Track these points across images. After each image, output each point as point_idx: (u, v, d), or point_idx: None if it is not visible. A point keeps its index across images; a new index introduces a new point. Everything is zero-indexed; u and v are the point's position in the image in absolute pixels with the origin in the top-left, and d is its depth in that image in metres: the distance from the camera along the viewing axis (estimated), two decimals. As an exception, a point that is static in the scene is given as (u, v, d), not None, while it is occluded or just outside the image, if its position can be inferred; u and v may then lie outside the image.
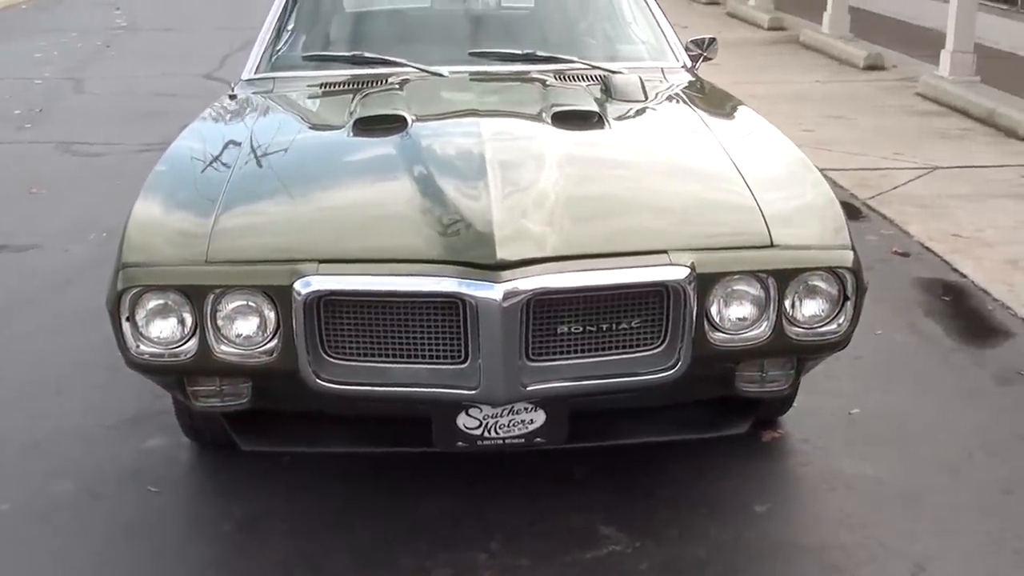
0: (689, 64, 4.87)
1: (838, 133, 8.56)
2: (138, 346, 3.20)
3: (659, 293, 3.11)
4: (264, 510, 3.71)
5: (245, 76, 4.83)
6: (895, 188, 7.08)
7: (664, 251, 3.11)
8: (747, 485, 3.75)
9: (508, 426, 3.26)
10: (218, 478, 3.95)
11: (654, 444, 3.58)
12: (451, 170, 3.42)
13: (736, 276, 3.15)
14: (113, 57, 13.10)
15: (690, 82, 4.65)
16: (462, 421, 3.25)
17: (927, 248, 6.02)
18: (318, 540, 3.54)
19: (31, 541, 3.59)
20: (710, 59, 5.12)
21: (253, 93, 4.60)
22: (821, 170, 7.32)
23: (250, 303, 3.15)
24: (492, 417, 3.24)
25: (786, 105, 9.51)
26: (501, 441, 3.28)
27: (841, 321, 3.24)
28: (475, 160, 3.43)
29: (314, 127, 4.18)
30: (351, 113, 3.97)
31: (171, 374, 3.30)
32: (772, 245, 3.19)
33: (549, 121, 3.81)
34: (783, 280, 3.16)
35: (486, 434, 3.26)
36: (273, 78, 4.75)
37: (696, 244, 3.15)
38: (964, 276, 5.61)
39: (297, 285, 3.05)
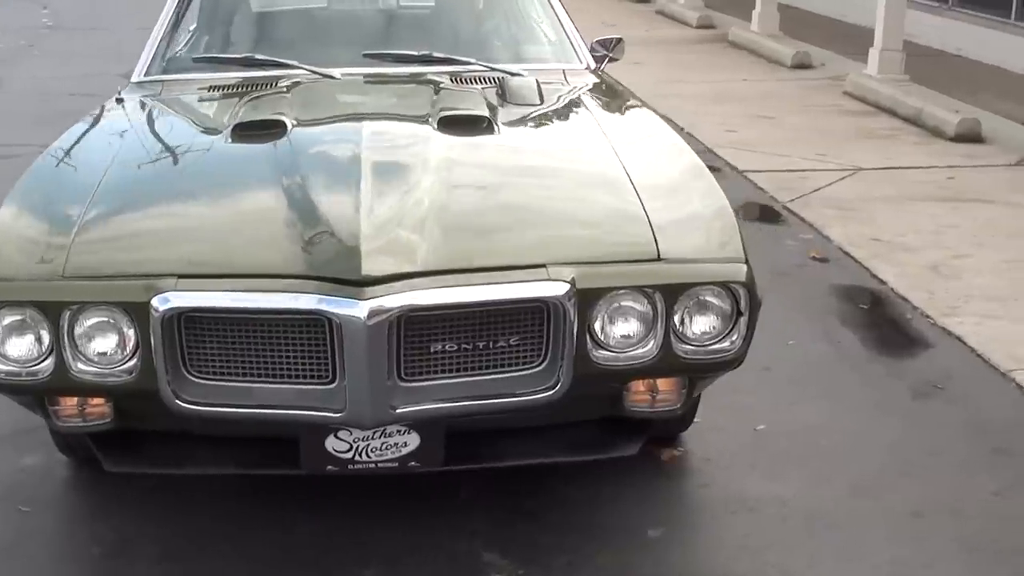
0: (593, 65, 4.69)
1: (762, 133, 8.42)
2: None
3: (538, 309, 2.92)
4: (135, 532, 3.49)
5: (134, 79, 4.61)
6: (816, 190, 6.93)
7: (543, 265, 2.92)
8: (642, 508, 3.56)
9: (380, 449, 3.06)
10: (92, 497, 3.74)
11: (545, 463, 3.39)
12: (323, 179, 3.21)
13: (621, 291, 2.97)
14: (36, 57, 12.75)
15: (592, 84, 4.46)
16: (331, 444, 3.04)
17: (846, 253, 5.86)
18: (187, 565, 3.33)
19: None
20: (616, 59, 4.95)
21: (141, 96, 4.38)
22: (741, 172, 7.38)
23: (109, 320, 2.94)
24: (363, 440, 3.04)
25: (711, 105, 9.38)
26: (373, 465, 3.08)
27: (734, 338, 3.06)
28: (350, 168, 3.23)
29: (192, 133, 3.95)
30: (232, 118, 3.76)
31: (27, 393, 3.09)
32: (659, 258, 3.00)
33: (435, 126, 3.61)
34: (671, 295, 2.97)
35: (357, 457, 3.06)
36: (162, 81, 4.53)
37: (577, 257, 2.96)
38: (884, 282, 5.46)
39: (154, 301, 2.84)
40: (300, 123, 3.68)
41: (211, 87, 4.36)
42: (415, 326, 2.88)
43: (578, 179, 3.47)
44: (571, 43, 4.76)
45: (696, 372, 3.12)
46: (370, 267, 2.81)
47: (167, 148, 3.76)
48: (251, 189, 3.32)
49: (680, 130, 8.46)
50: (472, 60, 4.45)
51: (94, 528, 3.56)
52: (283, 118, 3.68)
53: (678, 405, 3.21)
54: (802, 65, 10.96)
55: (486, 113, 3.75)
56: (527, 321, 2.95)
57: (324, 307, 2.78)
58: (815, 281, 5.50)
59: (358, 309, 2.76)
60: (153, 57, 4.68)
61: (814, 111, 9.18)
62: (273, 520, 3.51)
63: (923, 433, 4.02)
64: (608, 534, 3.44)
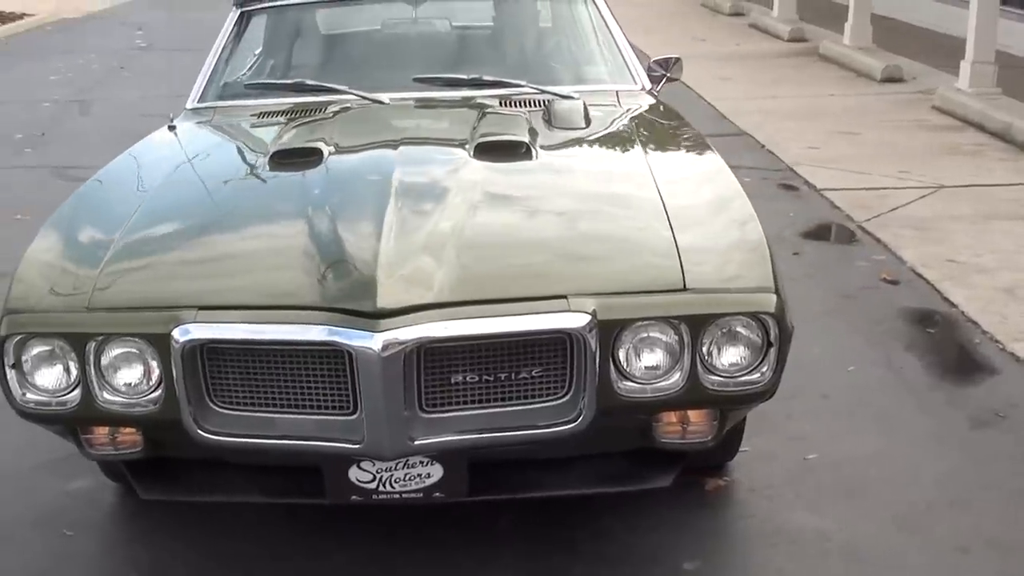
0: (648, 86, 4.64)
1: (844, 150, 8.27)
2: (24, 394, 3.05)
3: (560, 341, 2.88)
4: (171, 557, 3.54)
5: (188, 105, 4.70)
6: (894, 209, 6.78)
7: (563, 296, 2.88)
8: (680, 539, 3.50)
9: (404, 480, 3.05)
10: (135, 522, 3.78)
11: (573, 495, 3.34)
12: (350, 208, 3.22)
13: (646, 322, 2.92)
14: (126, 79, 13.03)
15: (645, 106, 4.41)
16: (354, 475, 3.04)
17: (918, 275, 5.72)
18: (218, 592, 3.36)
19: None
20: (675, 79, 4.90)
21: (194, 123, 4.45)
22: (818, 190, 7.25)
23: (134, 351, 2.97)
24: (386, 471, 3.03)
25: (794, 121, 9.24)
26: (398, 496, 3.07)
27: (764, 370, 2.99)
28: (377, 198, 3.23)
29: (232, 162, 3.99)
30: (272, 146, 3.79)
31: (57, 423, 3.14)
32: (685, 288, 2.94)
33: (471, 152, 3.60)
34: (696, 326, 2.91)
35: (381, 488, 3.05)
36: (214, 107, 4.61)
37: (600, 288, 2.92)
38: (954, 305, 5.32)
39: (175, 333, 2.86)
40: (337, 150, 3.69)
41: (261, 113, 4.41)
42: (435, 357, 2.87)
43: (610, 207, 3.42)
44: (626, 64, 4.72)
45: (725, 404, 3.05)
46: (385, 299, 2.80)
47: (205, 177, 3.79)
48: (279, 219, 3.34)
49: (760, 147, 8.43)
50: (523, 83, 4.44)
51: (133, 552, 3.62)
52: (321, 145, 3.70)
53: (709, 437, 3.15)
54: (892, 79, 10.76)
55: (525, 138, 3.73)
56: (550, 352, 2.91)
57: (337, 339, 2.78)
58: (883, 304, 5.37)
59: (373, 341, 2.75)
60: (208, 83, 4.77)
61: (900, 126, 9.00)
62: (307, 547, 3.52)
63: (978, 465, 3.90)
64: (643, 566, 3.39)
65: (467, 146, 3.67)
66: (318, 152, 3.66)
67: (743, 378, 2.98)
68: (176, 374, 2.89)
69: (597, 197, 3.50)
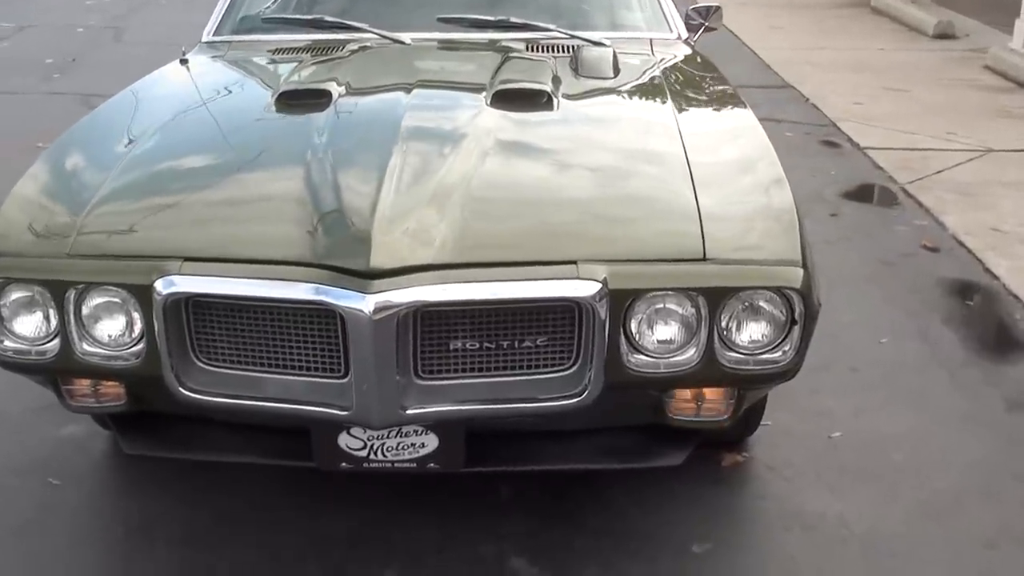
0: (685, 35, 4.41)
1: (890, 107, 7.99)
2: (2, 341, 2.88)
3: (568, 309, 2.68)
4: (161, 512, 3.40)
5: (204, 38, 4.51)
6: (939, 172, 6.52)
7: (573, 262, 2.67)
8: (690, 519, 3.32)
9: (396, 449, 2.87)
10: (125, 472, 3.64)
11: (577, 470, 3.16)
12: (352, 158, 3.00)
13: (660, 293, 2.71)
14: (163, 6, 12.84)
15: (680, 56, 4.18)
16: (344, 441, 2.87)
17: (960, 242, 5.48)
18: (207, 550, 3.21)
19: None
20: (713, 29, 4.66)
21: (205, 57, 4.26)
22: (861, 148, 6.99)
23: (116, 301, 2.79)
24: (378, 439, 2.86)
25: (841, 74, 8.96)
26: (390, 465, 2.90)
27: (786, 349, 2.77)
28: (383, 144, 3.02)
29: (238, 101, 3.76)
30: (281, 86, 3.59)
31: (36, 373, 2.98)
32: (704, 258, 2.73)
33: (489, 100, 3.39)
34: (715, 299, 2.70)
35: (372, 456, 2.88)
36: (229, 42, 4.42)
37: (613, 255, 2.70)
38: (996, 277, 5.08)
39: (158, 284, 2.68)
40: (350, 92, 3.50)
41: (276, 50, 4.22)
42: (433, 321, 2.68)
43: (631, 164, 3.19)
44: (662, 10, 4.50)
45: (742, 383, 2.84)
46: (380, 257, 2.60)
47: (207, 118, 3.58)
48: (277, 165, 3.13)
49: (804, 100, 8.16)
50: (552, 27, 4.22)
51: (121, 505, 3.48)
52: (331, 86, 3.50)
53: (725, 416, 2.95)
54: (944, 35, 10.42)
55: (547, 87, 3.51)
56: (557, 321, 2.72)
57: (326, 298, 2.58)
58: (921, 272, 5.14)
59: (364, 303, 2.56)
60: (224, 16, 4.57)
61: (950, 85, 8.70)
62: (304, 510, 3.38)
63: (1012, 451, 3.69)
64: (648, 544, 3.22)
65: (485, 92, 3.47)
66: (327, 94, 3.46)
67: (763, 356, 2.78)
68: (158, 328, 2.71)
69: (618, 153, 3.27)
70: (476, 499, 3.40)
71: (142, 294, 2.71)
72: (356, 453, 2.88)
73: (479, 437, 2.92)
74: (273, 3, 4.75)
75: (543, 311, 2.70)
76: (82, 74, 9.22)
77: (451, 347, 2.72)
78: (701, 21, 4.62)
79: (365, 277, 2.58)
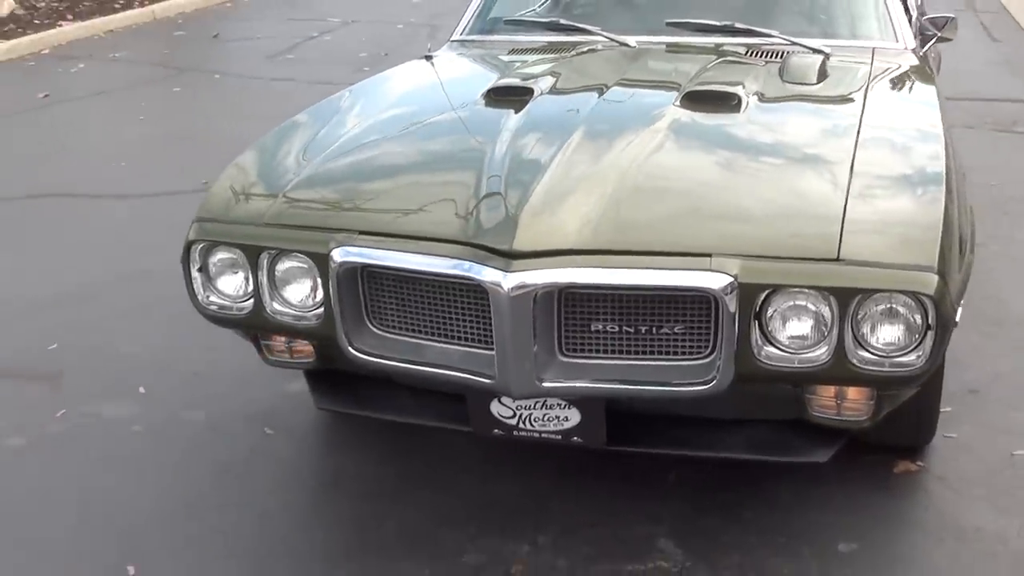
0: (913, 45, 4.40)
1: None
2: (208, 296, 3.28)
3: (705, 300, 2.82)
4: (353, 470, 3.74)
5: (453, 37, 4.87)
6: None
7: (708, 255, 2.81)
8: (845, 518, 3.36)
9: (543, 420, 3.08)
10: (334, 429, 4.01)
11: (717, 458, 3.27)
12: (527, 148, 3.24)
13: (794, 289, 2.81)
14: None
15: (899, 66, 4.17)
16: (496, 409, 3.10)
17: None
18: (381, 506, 3.52)
19: (142, 457, 3.83)
20: (948, 39, 4.63)
21: (447, 55, 4.62)
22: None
23: (303, 266, 3.13)
24: (525, 409, 3.08)
25: None
26: (537, 435, 3.11)
27: (919, 354, 2.80)
28: (560, 137, 3.25)
29: (456, 95, 4.03)
30: (495, 82, 3.88)
31: (235, 327, 3.36)
32: (838, 259, 2.80)
33: (679, 100, 3.55)
34: (845, 299, 2.77)
35: (521, 425, 3.10)
36: (474, 41, 4.77)
37: (748, 250, 2.81)
38: None
39: (334, 253, 3.00)
40: (552, 90, 3.74)
41: (513, 49, 4.50)
42: (576, 302, 2.88)
43: (791, 168, 3.27)
44: (891, 19, 4.49)
45: (872, 384, 2.89)
46: (523, 240, 2.82)
47: (421, 110, 3.88)
48: (462, 154, 3.39)
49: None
50: (774, 32, 4.32)
51: (319, 459, 3.84)
52: (535, 84, 3.74)
53: (866, 417, 3.00)
54: None
55: (740, 90, 3.63)
56: (694, 310, 2.85)
57: (471, 274, 2.82)
58: None
59: (505, 280, 2.78)
60: (476, 16, 4.89)
61: None
62: (477, 475, 3.64)
63: None
64: (795, 540, 3.29)
65: (677, 93, 3.62)
66: (530, 91, 3.71)
67: (897, 359, 2.82)
68: (332, 292, 3.02)
69: (785, 155, 3.36)
70: (642, 482, 3.56)
71: (322, 262, 3.03)
72: (507, 421, 3.11)
73: (622, 417, 3.09)
74: (540, 5, 5.04)
75: (680, 300, 2.84)
76: (389, 67, 9.78)
77: (592, 328, 2.91)
78: (935, 32, 4.60)
79: (509, 257, 2.81)
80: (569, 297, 2.87)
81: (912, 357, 2.81)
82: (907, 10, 4.95)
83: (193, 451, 3.85)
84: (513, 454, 3.70)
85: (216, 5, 14.00)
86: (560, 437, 3.10)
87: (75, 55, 11.11)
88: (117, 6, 13.08)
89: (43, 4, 13.11)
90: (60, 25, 12.04)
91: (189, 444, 3.90)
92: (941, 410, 3.70)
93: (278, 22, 12.61)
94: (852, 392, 2.98)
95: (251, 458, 3.80)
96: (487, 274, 2.81)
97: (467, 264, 2.85)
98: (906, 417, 3.39)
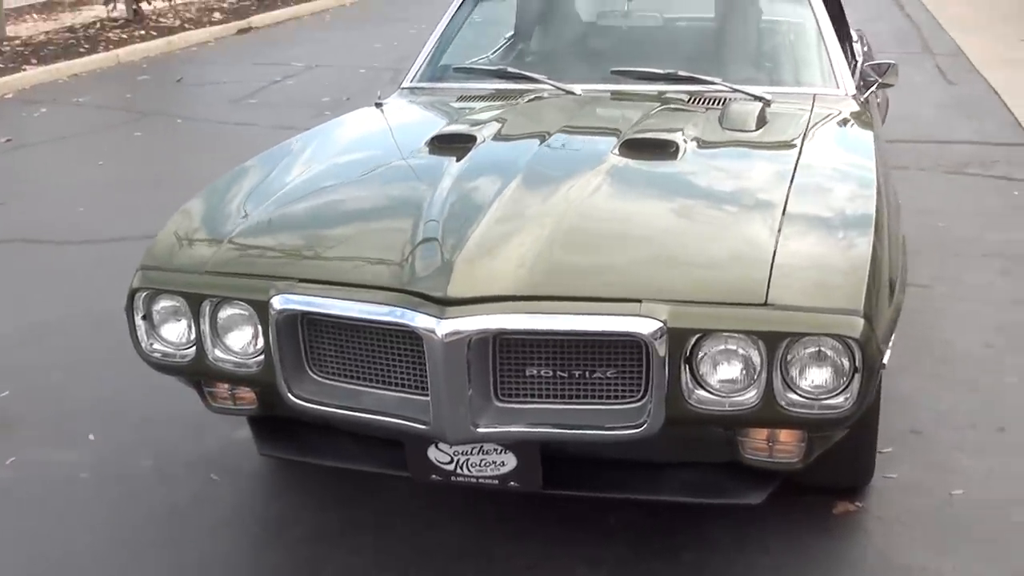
0: (853, 92, 4.47)
1: None
2: (152, 344, 3.30)
3: (636, 345, 2.87)
4: (295, 514, 3.75)
5: (403, 84, 4.92)
6: None
7: (638, 300, 2.86)
8: (783, 561, 3.39)
9: (479, 466, 3.11)
10: (280, 475, 4.02)
11: (651, 500, 3.30)
12: (465, 195, 3.30)
13: (724, 334, 2.86)
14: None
15: (839, 112, 4.24)
16: (433, 454, 3.12)
17: None
18: (322, 551, 3.53)
19: (87, 502, 3.85)
20: (889, 85, 4.72)
21: (395, 103, 4.69)
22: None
23: (244, 314, 3.16)
24: (462, 455, 3.10)
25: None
26: (475, 480, 3.13)
27: (847, 396, 2.85)
28: (498, 185, 3.31)
29: (396, 144, 4.11)
30: (438, 130, 3.94)
31: (177, 374, 3.38)
32: (766, 303, 2.85)
33: (617, 148, 3.61)
34: (773, 343, 2.81)
35: (458, 470, 3.13)
36: (423, 88, 4.83)
37: (678, 295, 2.87)
38: None
39: (274, 301, 3.03)
40: (495, 137, 3.80)
41: (461, 96, 4.56)
42: (510, 348, 2.91)
43: (723, 213, 3.33)
44: (831, 66, 4.57)
45: (801, 427, 2.94)
46: (456, 287, 2.86)
47: (365, 159, 3.94)
48: (405, 202, 3.42)
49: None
50: (718, 80, 4.39)
51: (263, 504, 3.85)
52: (479, 131, 3.80)
53: (797, 459, 3.04)
54: None
55: (678, 138, 3.69)
56: (625, 355, 2.89)
57: (405, 321, 2.86)
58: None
59: (437, 326, 2.82)
60: (426, 64, 4.96)
61: None
62: (420, 521, 3.66)
63: None
64: (738, 583, 3.31)
65: (617, 140, 3.68)
66: (473, 138, 3.76)
67: (825, 401, 2.86)
68: (272, 340, 3.05)
69: (717, 201, 3.42)
70: (580, 526, 3.58)
71: (262, 309, 3.06)
72: (444, 467, 3.13)
73: (557, 461, 3.12)
74: (490, 53, 5.12)
75: (612, 345, 2.88)
76: (348, 111, 9.85)
77: (527, 373, 2.94)
78: (876, 78, 4.68)
79: (443, 304, 2.84)
80: (504, 343, 2.90)
81: (840, 399, 2.85)
82: (853, 56, 5.05)
83: (138, 497, 3.85)
84: (455, 498, 3.72)
85: (180, 50, 14.05)
86: (497, 482, 3.13)
87: (38, 99, 11.14)
88: (82, 51, 13.13)
89: (7, 48, 13.15)
90: (24, 69, 12.07)
91: (135, 490, 3.90)
92: (882, 451, 3.76)
93: (243, 67, 12.66)
94: (783, 434, 3.02)
95: (195, 503, 3.80)
96: (421, 321, 2.84)
97: (400, 311, 2.89)
98: (844, 458, 3.43)
